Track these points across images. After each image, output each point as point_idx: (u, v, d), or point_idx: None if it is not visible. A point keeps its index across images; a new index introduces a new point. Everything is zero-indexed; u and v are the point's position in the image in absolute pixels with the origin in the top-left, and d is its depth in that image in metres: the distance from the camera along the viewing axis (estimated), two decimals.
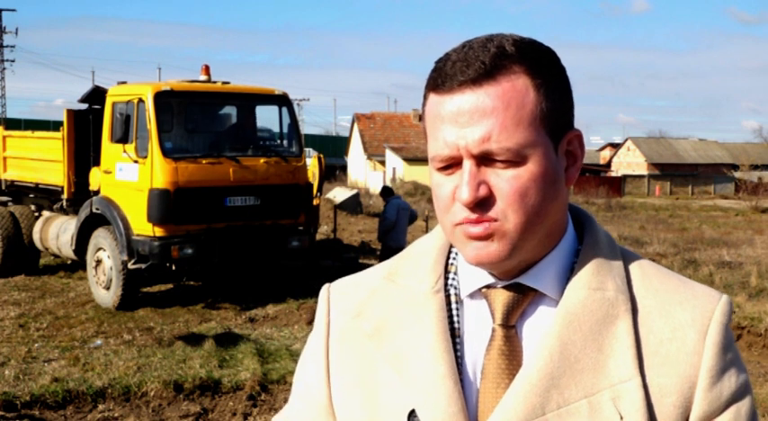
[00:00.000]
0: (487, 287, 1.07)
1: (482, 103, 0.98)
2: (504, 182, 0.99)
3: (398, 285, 1.13)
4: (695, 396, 1.01)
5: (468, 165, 0.99)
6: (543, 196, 1.00)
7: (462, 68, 0.99)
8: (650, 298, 1.06)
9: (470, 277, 1.08)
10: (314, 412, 1.14)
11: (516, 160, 0.98)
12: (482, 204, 0.99)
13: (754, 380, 7.48)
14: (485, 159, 0.99)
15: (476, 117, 0.98)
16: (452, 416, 1.01)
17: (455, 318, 1.09)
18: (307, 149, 15.92)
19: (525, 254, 1.03)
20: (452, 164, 1.01)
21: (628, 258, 1.10)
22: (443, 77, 1.01)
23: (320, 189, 11.81)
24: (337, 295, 1.18)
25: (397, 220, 11.16)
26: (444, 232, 1.07)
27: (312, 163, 11.90)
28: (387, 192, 11.90)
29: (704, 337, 1.03)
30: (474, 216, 0.99)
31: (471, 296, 1.09)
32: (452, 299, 1.10)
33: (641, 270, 1.09)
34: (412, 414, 1.03)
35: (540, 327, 1.05)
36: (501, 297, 1.06)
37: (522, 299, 1.06)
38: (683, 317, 1.04)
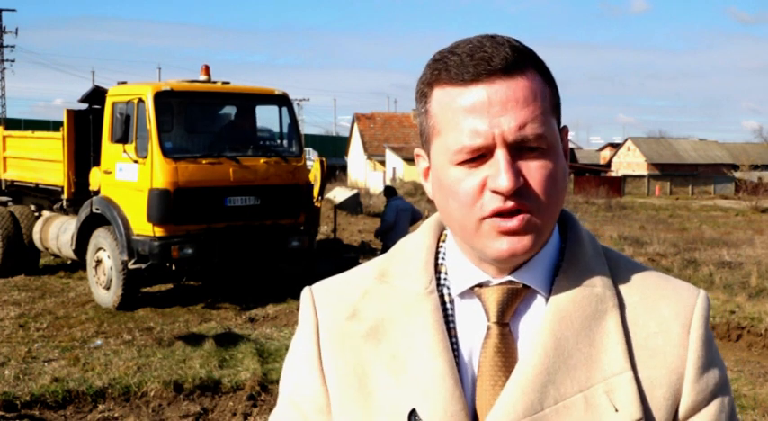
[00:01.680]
0: (479, 286, 1.07)
1: (514, 93, 0.99)
2: (535, 171, 0.99)
3: (392, 286, 1.12)
4: (683, 387, 1.04)
5: (502, 153, 0.98)
6: (563, 186, 1.03)
7: (486, 59, 0.99)
8: (634, 294, 1.09)
9: (461, 276, 1.08)
10: (311, 414, 1.12)
11: (546, 148, 1.00)
12: (518, 193, 0.99)
13: (753, 380, 7.48)
14: (516, 149, 0.99)
15: (509, 106, 0.98)
16: (454, 415, 1.02)
17: (450, 318, 1.09)
18: (307, 149, 15.92)
19: (541, 246, 1.06)
20: (479, 156, 0.99)
21: (609, 255, 1.13)
22: (463, 69, 0.99)
23: (321, 193, 11.81)
24: (322, 296, 1.16)
25: (396, 221, 11.18)
26: (463, 230, 1.03)
27: (314, 166, 11.89)
28: (388, 192, 11.94)
29: (688, 331, 1.06)
30: (510, 204, 0.98)
31: (462, 295, 1.09)
32: (446, 298, 1.10)
33: (623, 267, 1.12)
34: (413, 414, 1.03)
35: (532, 324, 1.06)
36: (494, 295, 1.06)
37: (515, 296, 1.06)
38: (667, 311, 1.07)
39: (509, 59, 0.99)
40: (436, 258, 1.13)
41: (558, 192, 1.02)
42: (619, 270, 1.11)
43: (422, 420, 1.02)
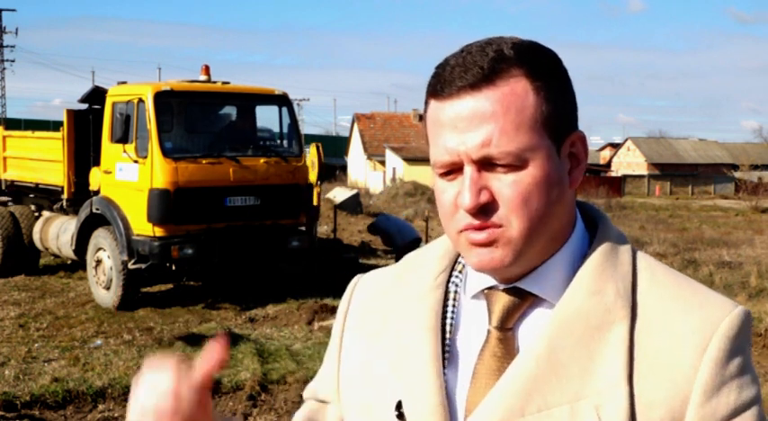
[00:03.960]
0: (489, 288, 1.07)
1: (481, 108, 0.98)
2: (506, 187, 0.98)
3: (404, 281, 1.15)
4: (687, 411, 0.96)
5: (469, 170, 0.99)
6: (546, 200, 1.00)
7: (461, 74, 0.99)
8: (654, 306, 1.01)
9: (475, 278, 1.09)
10: (327, 394, 1.20)
11: (517, 164, 0.98)
12: (484, 210, 0.99)
13: None
14: (486, 164, 0.99)
15: (475, 122, 0.98)
16: (432, 408, 1.03)
17: (449, 316, 1.10)
18: (306, 149, 15.91)
19: (529, 259, 1.03)
20: (453, 170, 1.01)
21: (641, 263, 1.06)
22: (442, 83, 1.01)
23: (320, 177, 11.79)
24: (361, 287, 1.22)
25: (396, 224, 11.57)
26: (449, 239, 1.08)
27: (311, 152, 11.85)
28: (372, 228, 12.71)
29: (703, 351, 0.97)
30: (477, 222, 0.99)
31: (476, 296, 1.09)
32: (451, 296, 1.11)
33: (652, 276, 1.04)
34: (399, 405, 1.05)
35: (534, 331, 1.04)
36: (501, 300, 1.06)
37: (521, 302, 1.05)
38: (685, 327, 0.99)
39: (482, 72, 0.98)
40: (457, 257, 1.14)
41: (533, 207, 0.98)
42: (645, 279, 1.04)
43: (404, 412, 1.04)
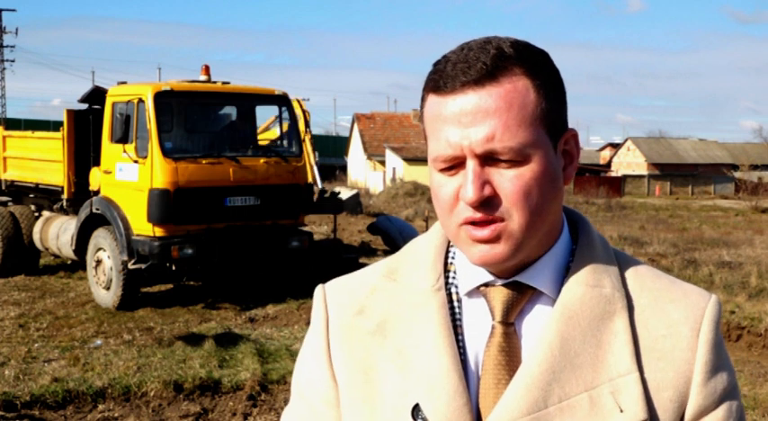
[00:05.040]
0: (485, 285, 1.08)
1: (485, 104, 0.99)
2: (508, 181, 1.00)
3: (399, 284, 1.14)
4: (690, 391, 1.05)
5: (471, 164, 1.00)
6: (545, 195, 1.02)
7: (464, 69, 1.00)
8: (644, 296, 1.09)
9: (469, 275, 1.10)
10: (320, 407, 1.15)
11: (519, 159, 1.00)
12: (486, 204, 1.00)
13: (753, 380, 7.47)
14: (488, 159, 1.00)
15: (479, 117, 0.99)
16: (457, 410, 1.03)
17: (457, 315, 1.10)
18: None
19: (527, 252, 1.05)
20: (455, 164, 1.02)
21: (621, 258, 1.13)
22: (444, 79, 1.02)
23: (308, 125, 11.77)
24: (333, 293, 1.19)
25: (395, 225, 11.71)
26: (447, 233, 1.08)
27: (294, 105, 11.77)
28: (372, 229, 12.80)
29: (697, 334, 1.06)
30: (478, 215, 1.01)
31: (470, 294, 1.10)
32: (454, 297, 1.11)
33: (634, 270, 1.12)
34: (416, 408, 1.04)
35: (537, 325, 1.06)
36: (500, 295, 1.07)
37: (521, 297, 1.07)
38: (677, 314, 1.07)
39: (486, 68, 1.00)
40: (446, 257, 1.15)
41: (533, 202, 1.01)
42: (629, 272, 1.11)
43: (425, 415, 1.03)
